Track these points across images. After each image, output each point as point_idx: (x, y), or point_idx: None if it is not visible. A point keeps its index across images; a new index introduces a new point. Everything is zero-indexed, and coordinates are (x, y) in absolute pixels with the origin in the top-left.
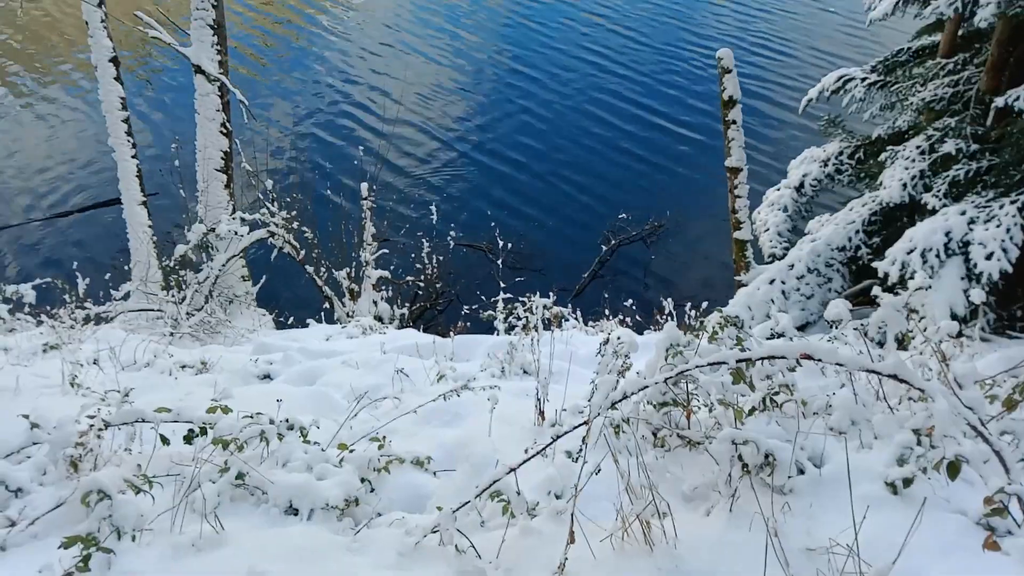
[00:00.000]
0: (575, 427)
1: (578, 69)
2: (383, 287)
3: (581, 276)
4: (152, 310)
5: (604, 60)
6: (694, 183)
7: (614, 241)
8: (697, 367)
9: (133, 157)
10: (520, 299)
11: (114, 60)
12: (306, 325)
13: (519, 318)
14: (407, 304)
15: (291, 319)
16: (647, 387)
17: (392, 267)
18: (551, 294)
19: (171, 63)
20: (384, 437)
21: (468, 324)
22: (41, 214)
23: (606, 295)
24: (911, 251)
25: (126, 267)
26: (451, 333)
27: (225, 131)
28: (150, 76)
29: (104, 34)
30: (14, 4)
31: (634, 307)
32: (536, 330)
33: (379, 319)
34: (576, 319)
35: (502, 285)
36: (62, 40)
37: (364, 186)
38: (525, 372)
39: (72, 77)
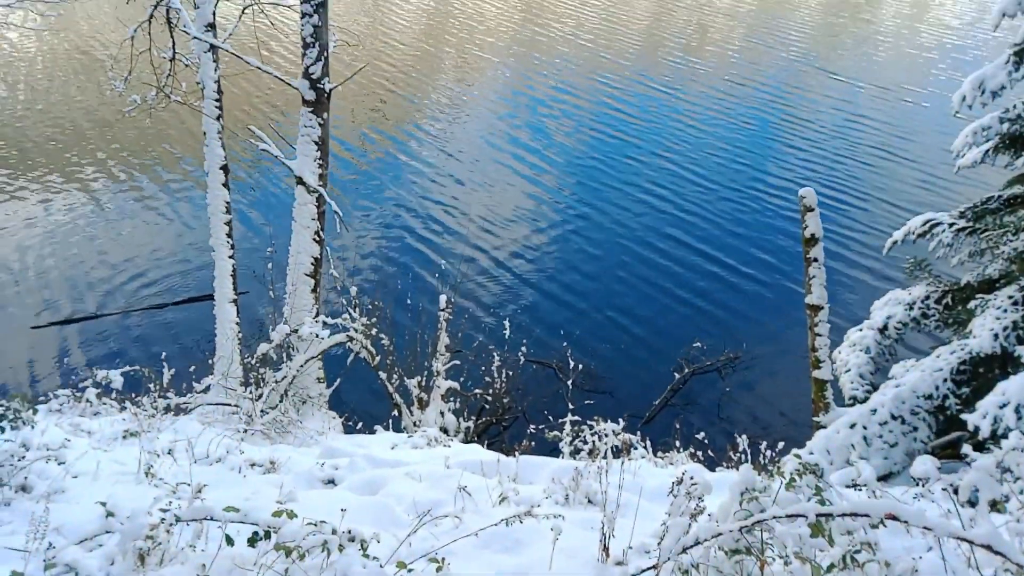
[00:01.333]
0: (643, 570)
1: (657, 205)
2: (451, 398)
3: (652, 402)
4: (229, 404)
5: (682, 199)
6: (773, 318)
7: (687, 370)
8: (774, 517)
9: (230, 257)
10: (588, 422)
11: (224, 168)
12: (373, 431)
13: (586, 442)
14: (473, 417)
15: (360, 424)
16: (720, 534)
17: (461, 379)
18: (620, 420)
19: (275, 172)
20: (443, 559)
21: (533, 443)
22: (141, 304)
23: (677, 425)
24: (1004, 405)
25: (210, 361)
26: (515, 451)
27: (318, 239)
28: (255, 182)
29: (218, 143)
30: (146, 110)
31: (706, 440)
32: (603, 457)
33: (444, 431)
34: (645, 448)
35: (570, 406)
36: (180, 145)
37: (443, 298)
38: (590, 502)
39: (184, 180)
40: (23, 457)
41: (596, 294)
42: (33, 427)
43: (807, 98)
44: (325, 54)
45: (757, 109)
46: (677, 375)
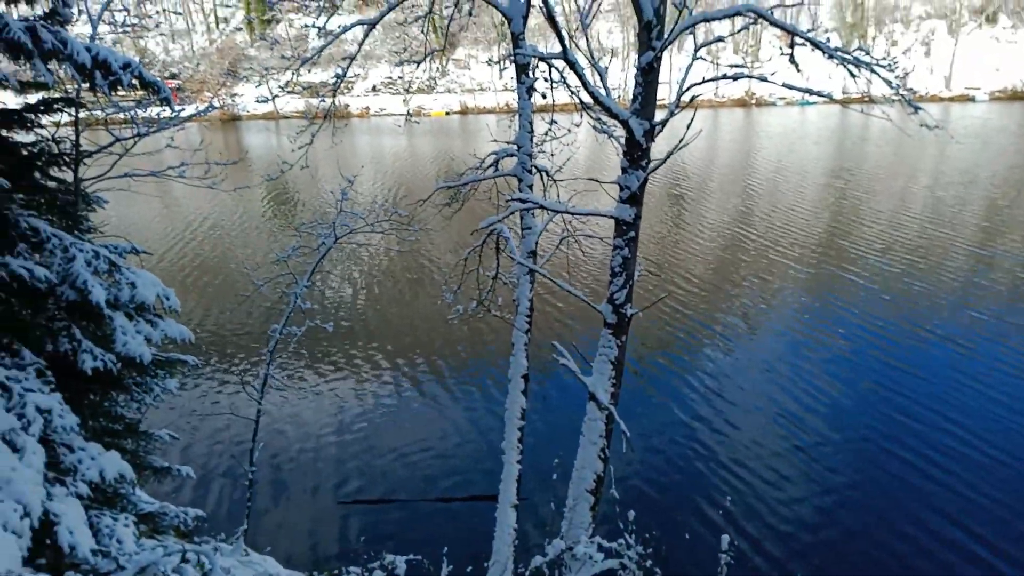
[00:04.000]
0: None
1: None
2: None
3: None
4: None
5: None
6: None
7: None
8: None
9: (518, 462)
10: None
11: (525, 376)
12: None
13: None
14: None
15: None
16: None
17: None
18: None
19: (569, 386)
20: None
21: None
22: (430, 494)
23: None
24: None
25: (485, 564)
26: None
27: (603, 456)
28: (548, 393)
29: (523, 354)
30: (466, 319)
31: None
32: None
33: None
34: None
35: None
36: (488, 352)
37: (725, 538)
38: None
39: (487, 383)
40: None
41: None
42: None
43: None
44: (631, 283)
45: None
46: None
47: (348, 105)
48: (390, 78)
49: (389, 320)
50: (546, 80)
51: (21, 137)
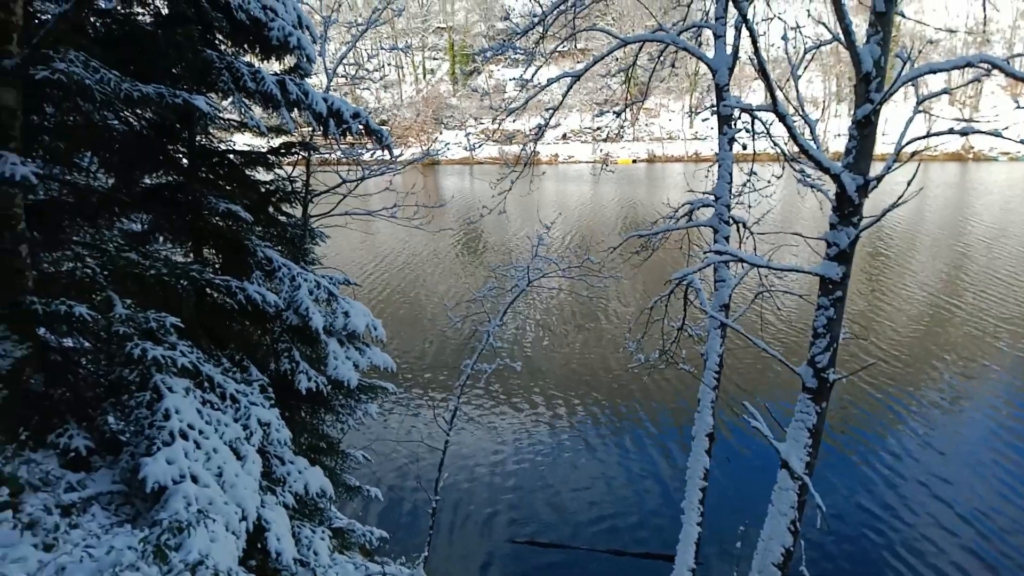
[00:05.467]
0: None
1: None
2: None
3: None
4: None
5: None
6: None
7: None
8: None
9: (699, 524)
10: None
11: (710, 436)
12: None
13: None
14: None
15: None
16: None
17: None
18: None
19: (758, 451)
20: None
21: None
22: (603, 545)
23: None
24: None
25: None
26: None
27: (793, 528)
28: (735, 456)
29: (710, 412)
30: (647, 369)
31: None
32: None
33: None
34: None
35: None
36: (669, 405)
37: None
38: None
39: (666, 438)
40: None
41: None
42: None
43: None
44: (834, 345)
45: None
46: None
47: (538, 152)
48: (589, 128)
49: (572, 364)
50: (747, 131)
51: (260, 175)
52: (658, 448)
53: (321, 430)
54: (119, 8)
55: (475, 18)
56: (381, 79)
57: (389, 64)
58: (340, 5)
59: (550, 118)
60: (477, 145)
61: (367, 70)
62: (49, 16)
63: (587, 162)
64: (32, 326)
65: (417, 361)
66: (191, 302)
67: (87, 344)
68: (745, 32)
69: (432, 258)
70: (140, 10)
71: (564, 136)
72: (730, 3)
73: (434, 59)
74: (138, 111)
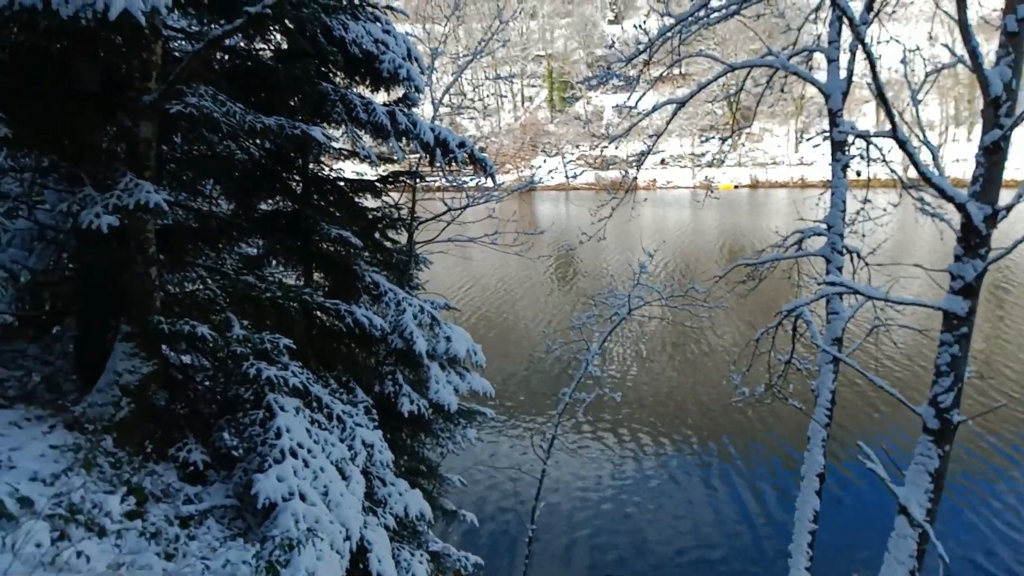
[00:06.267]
0: None
1: None
2: None
3: None
4: None
5: None
6: None
7: None
8: None
9: (807, 569)
10: None
11: (820, 476)
12: None
13: None
14: None
15: None
16: None
17: None
18: None
19: (872, 493)
20: None
21: None
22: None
23: None
24: None
25: None
26: None
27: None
28: (845, 497)
29: (820, 451)
30: (751, 403)
31: None
32: None
33: None
34: None
35: None
36: (774, 442)
37: None
38: None
39: (770, 476)
40: None
41: None
42: None
43: None
44: (959, 385)
45: None
46: None
47: (636, 178)
48: (690, 153)
49: (672, 395)
50: (862, 157)
51: (368, 202)
52: (761, 485)
53: (421, 453)
54: (243, 44)
55: (574, 45)
56: (485, 108)
57: (490, 94)
58: (446, 37)
59: (653, 144)
60: (579, 172)
61: (472, 100)
62: (183, 54)
63: (686, 187)
64: (158, 344)
65: (512, 387)
66: (302, 324)
67: (204, 362)
68: (859, 55)
69: (524, 283)
70: (262, 45)
71: (662, 161)
72: (844, 27)
73: (532, 86)
74: (258, 141)
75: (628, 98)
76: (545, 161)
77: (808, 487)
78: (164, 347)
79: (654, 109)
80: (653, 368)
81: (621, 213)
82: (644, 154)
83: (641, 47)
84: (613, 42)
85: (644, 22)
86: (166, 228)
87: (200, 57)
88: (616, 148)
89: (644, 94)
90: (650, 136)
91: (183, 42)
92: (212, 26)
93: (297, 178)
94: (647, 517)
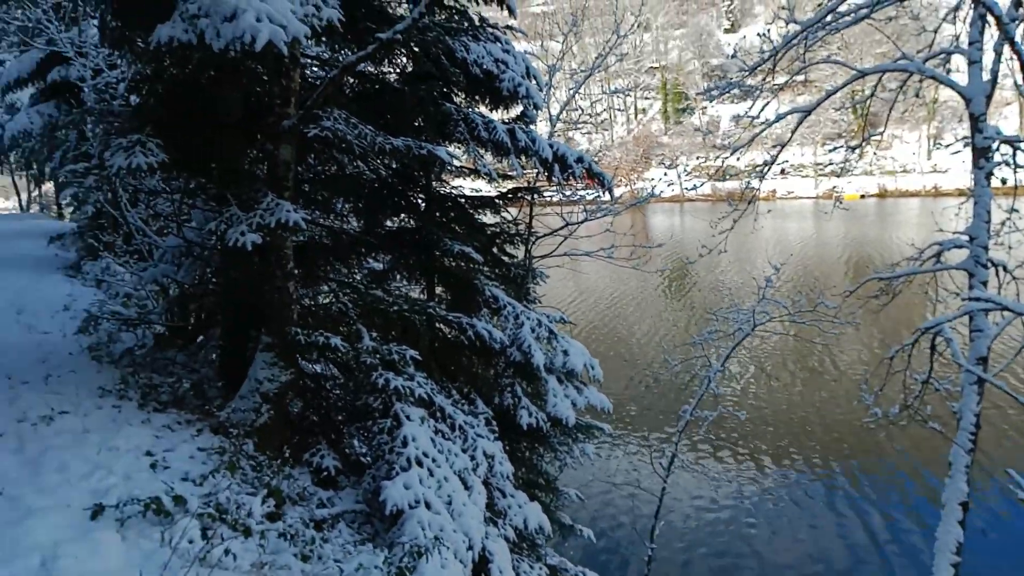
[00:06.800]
0: None
1: None
2: None
3: None
4: None
5: None
6: None
7: None
8: None
9: None
10: None
11: (964, 504)
12: None
13: None
14: None
15: None
16: None
17: None
18: None
19: (1020, 519)
20: None
21: None
22: None
23: None
24: None
25: None
26: None
27: None
28: (990, 527)
29: (963, 478)
30: (884, 425)
31: None
32: None
33: None
34: None
35: None
36: (909, 466)
37: None
38: None
39: (901, 503)
40: None
41: None
42: None
43: None
44: None
45: None
46: None
47: (758, 188)
48: (813, 163)
49: (796, 414)
50: (1008, 164)
51: (486, 218)
52: (893, 512)
53: (539, 466)
54: (371, 68)
55: (688, 55)
56: (601, 122)
57: (605, 108)
58: (563, 54)
59: (777, 154)
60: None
61: (589, 115)
62: (318, 80)
63: (808, 198)
64: (295, 354)
65: (628, 402)
66: (426, 336)
67: (334, 371)
68: (1004, 55)
69: (638, 296)
70: (388, 68)
71: (783, 171)
72: (986, 26)
73: (646, 98)
74: (385, 161)
75: (750, 107)
76: (665, 174)
77: (950, 516)
78: (298, 357)
79: (778, 118)
80: (774, 386)
81: (741, 225)
82: (768, 164)
83: (765, 55)
84: (735, 51)
85: (768, 30)
86: (302, 244)
87: (334, 82)
88: (738, 160)
89: (767, 103)
90: (773, 146)
91: (317, 68)
92: (344, 52)
93: (421, 196)
94: (767, 539)
